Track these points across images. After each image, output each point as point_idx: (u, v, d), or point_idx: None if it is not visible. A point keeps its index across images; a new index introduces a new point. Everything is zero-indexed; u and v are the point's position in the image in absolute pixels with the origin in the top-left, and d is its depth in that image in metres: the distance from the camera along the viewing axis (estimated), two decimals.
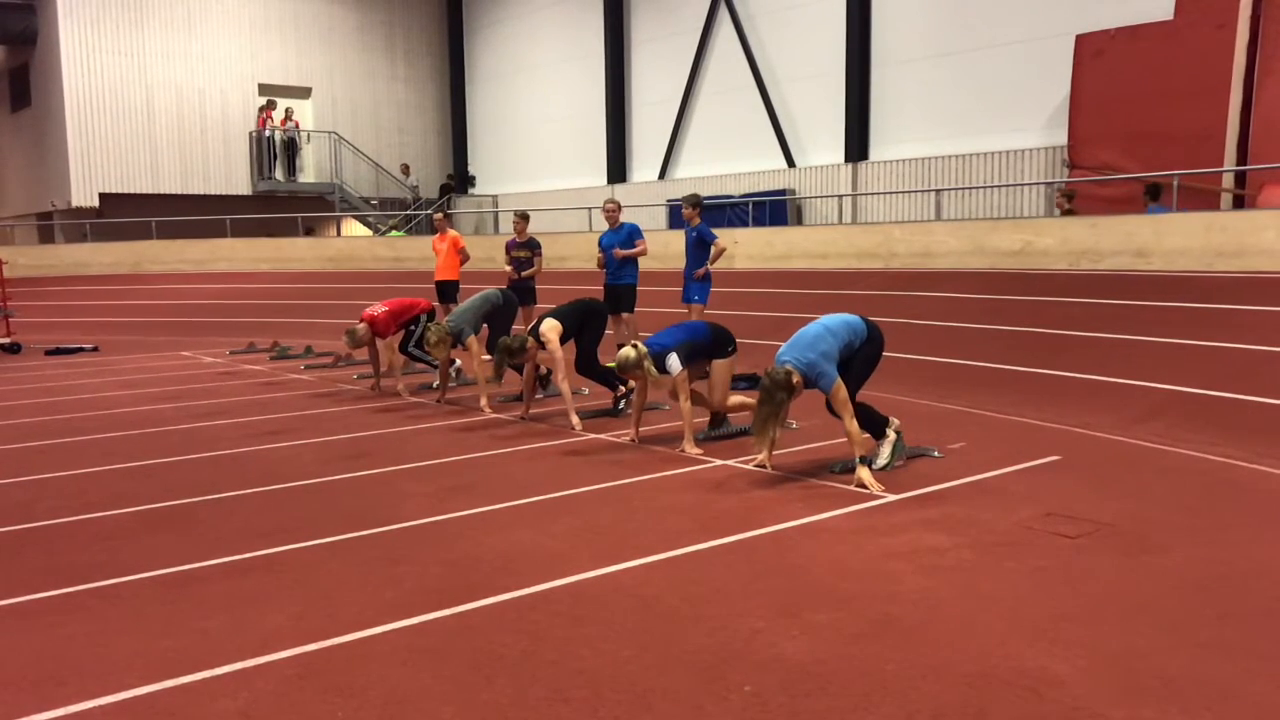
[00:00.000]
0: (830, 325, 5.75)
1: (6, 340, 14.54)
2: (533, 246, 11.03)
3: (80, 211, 21.17)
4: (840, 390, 5.46)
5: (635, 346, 6.53)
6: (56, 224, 21.91)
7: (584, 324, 7.91)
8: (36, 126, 22.25)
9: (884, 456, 5.86)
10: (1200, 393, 7.30)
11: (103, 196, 21.28)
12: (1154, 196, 12.96)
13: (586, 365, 7.96)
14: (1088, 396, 7.75)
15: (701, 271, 9.85)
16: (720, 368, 6.80)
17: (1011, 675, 3.10)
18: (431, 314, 9.89)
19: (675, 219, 18.38)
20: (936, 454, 6.20)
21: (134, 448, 7.18)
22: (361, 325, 9.32)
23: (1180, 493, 5.36)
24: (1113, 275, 10.34)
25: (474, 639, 3.49)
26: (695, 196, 10.01)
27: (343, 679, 3.19)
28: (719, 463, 6.21)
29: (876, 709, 2.91)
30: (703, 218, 9.99)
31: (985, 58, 15.34)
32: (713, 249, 9.76)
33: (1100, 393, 7.78)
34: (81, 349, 14.47)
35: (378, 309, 9.48)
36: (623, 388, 7.96)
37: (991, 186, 15.16)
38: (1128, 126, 12.74)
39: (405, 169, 24.40)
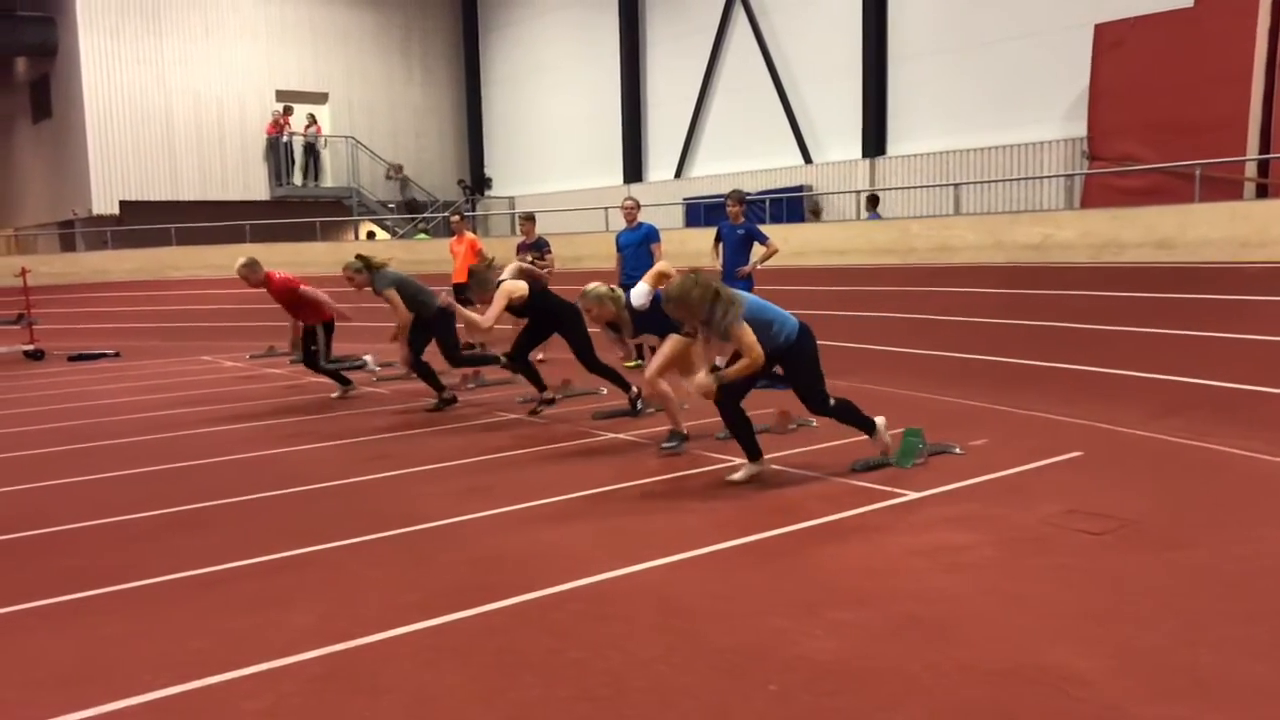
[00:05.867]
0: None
1: (30, 347, 14.68)
2: (541, 247, 11.04)
3: (101, 219, 21.37)
4: (747, 334, 5.30)
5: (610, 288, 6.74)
6: (78, 232, 22.11)
7: (558, 328, 7.94)
8: (57, 136, 22.48)
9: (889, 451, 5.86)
10: (1226, 386, 7.22)
11: (123, 204, 21.49)
12: (872, 205, 14.35)
13: (592, 365, 7.96)
14: (1111, 391, 7.69)
15: (746, 270, 9.70)
16: (674, 341, 6.41)
17: (1037, 674, 3.08)
18: (330, 327, 9.52)
19: (692, 217, 18.35)
20: (958, 451, 6.16)
21: (157, 452, 7.24)
22: (263, 273, 9.28)
23: (1206, 488, 5.30)
24: (1135, 267, 10.24)
25: (498, 639, 3.50)
26: (740, 192, 9.86)
27: (369, 679, 3.21)
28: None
29: (901, 708, 2.90)
30: (746, 215, 9.90)
31: (1003, 49, 15.22)
32: (763, 249, 9.63)
33: (1123, 387, 7.71)
34: (103, 355, 14.60)
35: (290, 276, 9.40)
36: (634, 388, 7.97)
37: (1011, 180, 15.05)
38: (1148, 116, 12.62)
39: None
